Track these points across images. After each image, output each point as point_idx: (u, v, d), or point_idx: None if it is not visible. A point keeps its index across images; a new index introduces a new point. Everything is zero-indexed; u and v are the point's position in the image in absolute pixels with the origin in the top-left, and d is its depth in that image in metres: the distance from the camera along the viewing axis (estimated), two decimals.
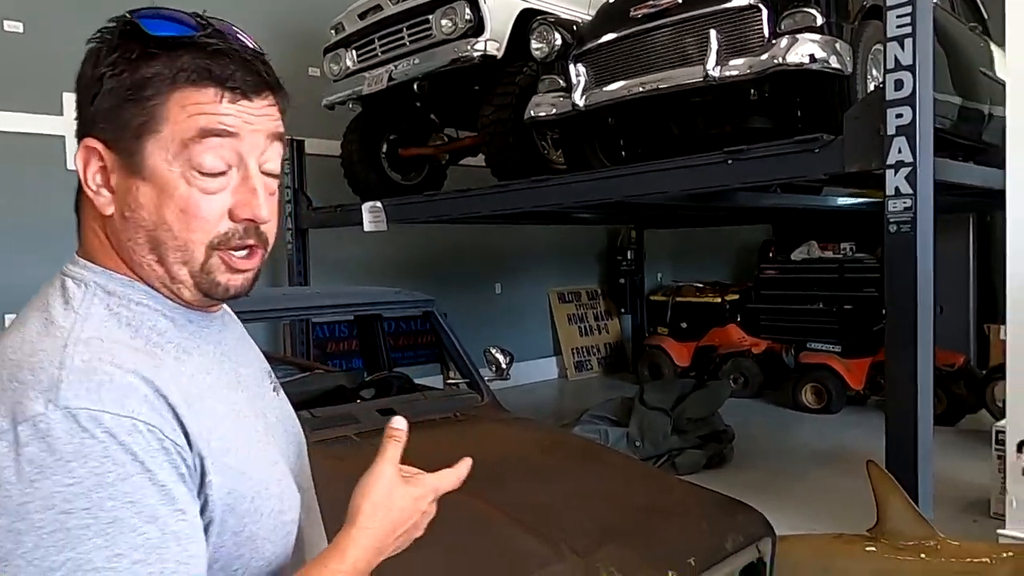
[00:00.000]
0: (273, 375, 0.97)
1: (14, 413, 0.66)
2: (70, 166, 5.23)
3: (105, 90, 0.74)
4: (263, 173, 0.79)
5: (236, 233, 0.77)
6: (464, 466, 0.90)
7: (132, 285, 0.78)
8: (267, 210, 0.78)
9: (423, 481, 0.86)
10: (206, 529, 0.73)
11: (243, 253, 0.78)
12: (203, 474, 0.72)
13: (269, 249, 0.82)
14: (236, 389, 0.83)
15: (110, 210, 0.76)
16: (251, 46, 0.79)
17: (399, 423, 0.85)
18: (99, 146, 0.75)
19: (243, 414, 0.81)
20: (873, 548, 2.55)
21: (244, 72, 0.75)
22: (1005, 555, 2.46)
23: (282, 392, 0.98)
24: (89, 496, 0.64)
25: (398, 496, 0.82)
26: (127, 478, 0.65)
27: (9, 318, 4.73)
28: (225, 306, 0.96)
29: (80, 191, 0.78)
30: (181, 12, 0.76)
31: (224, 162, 0.75)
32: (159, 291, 0.79)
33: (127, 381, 0.69)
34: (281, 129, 0.80)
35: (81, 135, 0.77)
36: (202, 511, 0.72)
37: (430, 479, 0.86)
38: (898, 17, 2.84)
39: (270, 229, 0.80)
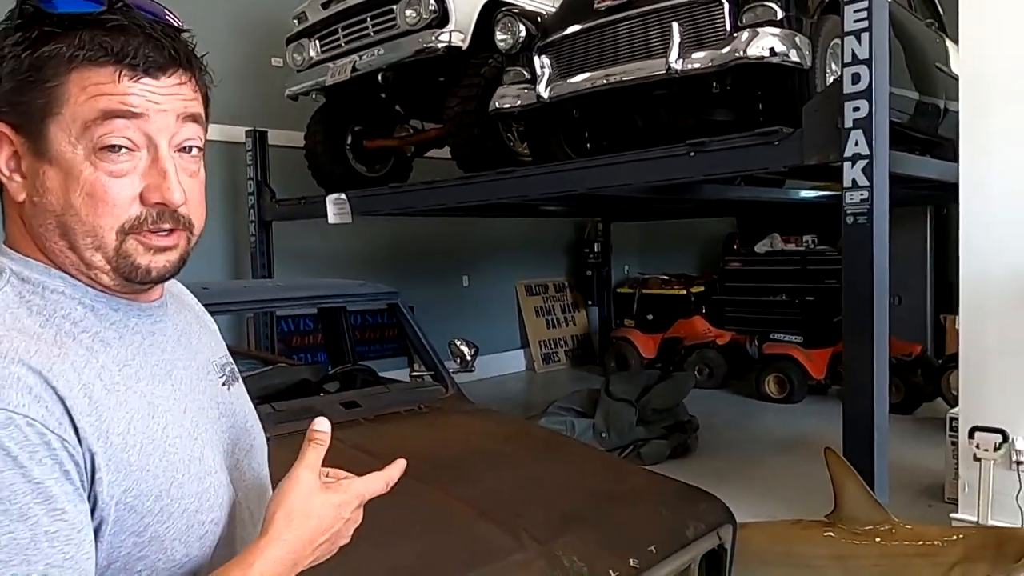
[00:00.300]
0: (230, 368, 0.93)
1: None
2: None
3: (5, 72, 0.72)
4: (180, 151, 0.76)
5: (149, 217, 0.74)
6: (396, 468, 0.84)
7: (49, 272, 0.75)
8: (180, 193, 0.74)
9: (347, 487, 0.80)
10: (99, 528, 0.69)
11: (162, 234, 0.75)
12: (94, 470, 0.68)
13: (196, 231, 0.79)
14: (163, 381, 0.79)
15: (22, 196, 0.74)
16: (170, 21, 0.76)
17: (322, 425, 0.80)
18: (7, 130, 0.73)
19: (164, 408, 0.77)
20: (831, 533, 2.60)
21: (148, 48, 0.72)
22: (956, 537, 2.54)
23: (239, 387, 0.94)
24: None
25: (317, 504, 0.77)
26: None
27: None
28: (183, 293, 0.94)
29: None
30: None
31: (130, 142, 0.72)
32: (78, 278, 0.76)
33: (9, 371, 0.65)
34: (195, 109, 0.76)
35: None
36: (92, 509, 0.69)
37: (355, 485, 0.81)
38: (855, 12, 2.89)
39: (193, 211, 0.77)
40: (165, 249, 0.76)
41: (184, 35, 0.77)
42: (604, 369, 7.63)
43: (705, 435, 5.10)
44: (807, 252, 7.22)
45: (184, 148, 0.76)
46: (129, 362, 0.76)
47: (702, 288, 7.90)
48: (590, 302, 8.76)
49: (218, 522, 0.79)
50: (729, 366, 6.96)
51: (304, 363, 4.73)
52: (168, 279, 0.79)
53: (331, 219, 5.20)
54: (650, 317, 7.87)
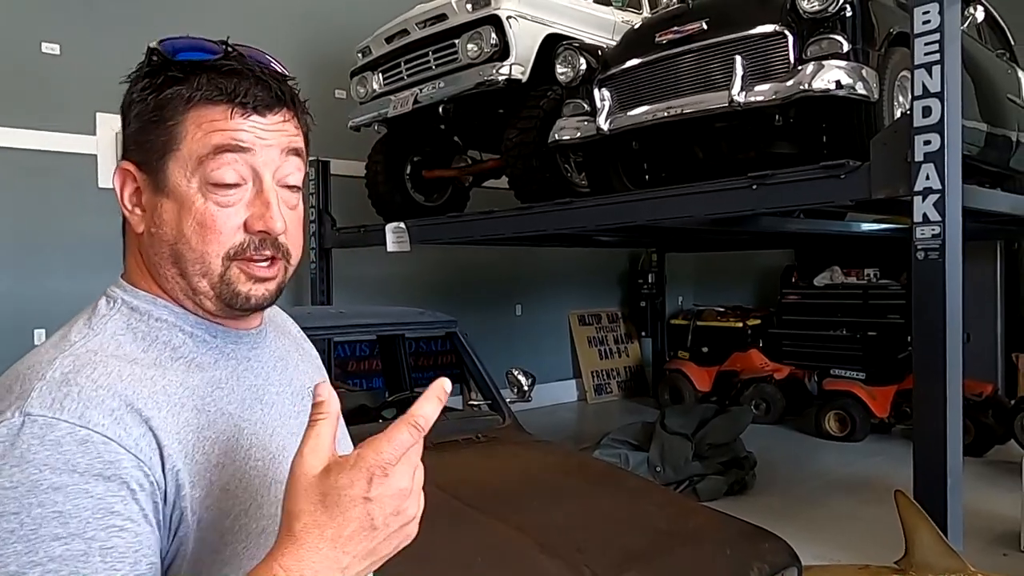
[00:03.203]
0: None
1: None
2: (101, 185, 5.37)
3: (133, 115, 0.79)
4: (282, 187, 0.81)
5: (251, 244, 0.79)
6: (440, 387, 0.70)
7: (155, 302, 0.80)
8: (281, 222, 0.79)
9: (377, 446, 0.66)
10: (183, 543, 0.72)
11: (263, 264, 0.80)
12: (178, 488, 0.71)
13: (293, 261, 0.83)
14: (253, 406, 0.83)
15: (141, 227, 0.80)
16: (275, 67, 0.82)
17: (321, 392, 0.69)
18: (132, 168, 0.80)
19: (250, 431, 0.80)
20: None
21: (257, 89, 0.78)
22: None
23: None
24: (20, 501, 0.64)
25: (344, 482, 0.65)
26: (60, 488, 0.65)
27: (38, 333, 4.83)
28: (287, 322, 0.99)
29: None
30: (205, 40, 0.80)
31: (238, 176, 0.78)
32: (184, 305, 0.81)
33: (95, 394, 0.69)
34: (298, 144, 0.82)
35: (122, 159, 0.81)
36: (177, 526, 0.72)
37: (394, 435, 0.67)
38: (926, 44, 2.84)
39: (291, 241, 0.82)
40: (264, 279, 0.81)
41: (289, 81, 0.83)
42: (657, 401, 7.53)
43: (763, 472, 4.97)
44: (869, 286, 7.04)
45: (286, 185, 0.81)
46: (221, 385, 0.80)
47: (759, 321, 7.76)
48: (643, 333, 8.68)
49: None
50: (787, 401, 6.79)
51: (361, 389, 4.79)
52: (266, 307, 0.84)
53: (390, 247, 5.29)
54: (705, 349, 7.76)
